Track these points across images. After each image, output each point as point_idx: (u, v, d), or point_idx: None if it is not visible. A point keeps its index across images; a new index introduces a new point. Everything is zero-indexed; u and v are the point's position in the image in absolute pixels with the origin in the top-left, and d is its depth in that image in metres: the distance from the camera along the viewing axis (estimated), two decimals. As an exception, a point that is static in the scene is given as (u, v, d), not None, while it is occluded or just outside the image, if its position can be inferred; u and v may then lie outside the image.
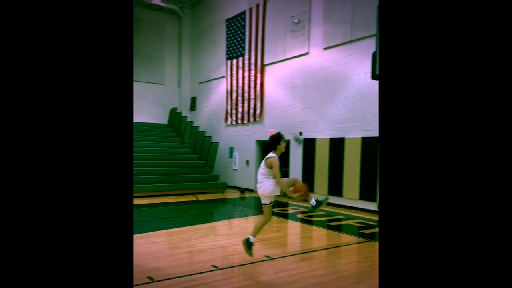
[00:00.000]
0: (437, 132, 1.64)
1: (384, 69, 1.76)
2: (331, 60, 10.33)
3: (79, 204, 1.71)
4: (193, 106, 16.87)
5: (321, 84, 10.63)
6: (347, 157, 9.71)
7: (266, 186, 4.96)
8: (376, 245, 6.10)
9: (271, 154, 4.98)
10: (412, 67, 1.68)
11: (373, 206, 9.11)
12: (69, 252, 1.69)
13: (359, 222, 7.98)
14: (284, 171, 12.32)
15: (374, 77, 6.34)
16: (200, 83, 16.41)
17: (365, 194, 9.30)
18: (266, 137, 12.75)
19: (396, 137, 1.70)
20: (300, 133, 11.28)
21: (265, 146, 11.67)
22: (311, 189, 10.78)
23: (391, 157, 1.72)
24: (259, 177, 5.03)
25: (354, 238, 6.60)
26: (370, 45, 8.82)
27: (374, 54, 6.27)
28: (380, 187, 1.78)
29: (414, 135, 1.67)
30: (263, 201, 5.11)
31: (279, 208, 10.21)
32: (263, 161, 5.02)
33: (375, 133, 9.06)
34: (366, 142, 9.27)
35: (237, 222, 8.36)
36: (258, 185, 5.06)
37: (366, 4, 9.30)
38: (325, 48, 10.51)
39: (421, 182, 1.67)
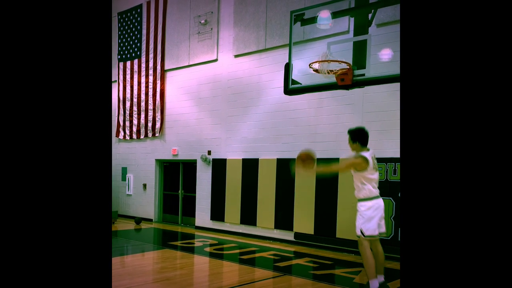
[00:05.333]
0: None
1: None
2: (243, 70, 11.06)
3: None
4: (74, 117, 16.44)
5: (232, 97, 11.30)
6: (261, 180, 10.44)
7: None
8: (292, 279, 6.79)
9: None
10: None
11: (290, 236, 9.91)
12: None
13: (274, 254, 8.67)
14: (190, 196, 12.69)
15: (286, 91, 7.10)
16: (83, 88, 16.08)
17: (281, 222, 10.07)
18: (168, 155, 13.02)
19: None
20: (209, 152, 11.79)
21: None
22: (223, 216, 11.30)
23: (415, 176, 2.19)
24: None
25: (268, 273, 7.23)
26: (285, 56, 9.68)
27: (286, 66, 7.03)
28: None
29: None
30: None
31: (183, 241, 10.54)
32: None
33: (291, 155, 9.91)
34: (282, 164, 10.08)
35: (131, 259, 8.50)
36: None
37: (281, 8, 10.22)
38: (236, 56, 11.23)
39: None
